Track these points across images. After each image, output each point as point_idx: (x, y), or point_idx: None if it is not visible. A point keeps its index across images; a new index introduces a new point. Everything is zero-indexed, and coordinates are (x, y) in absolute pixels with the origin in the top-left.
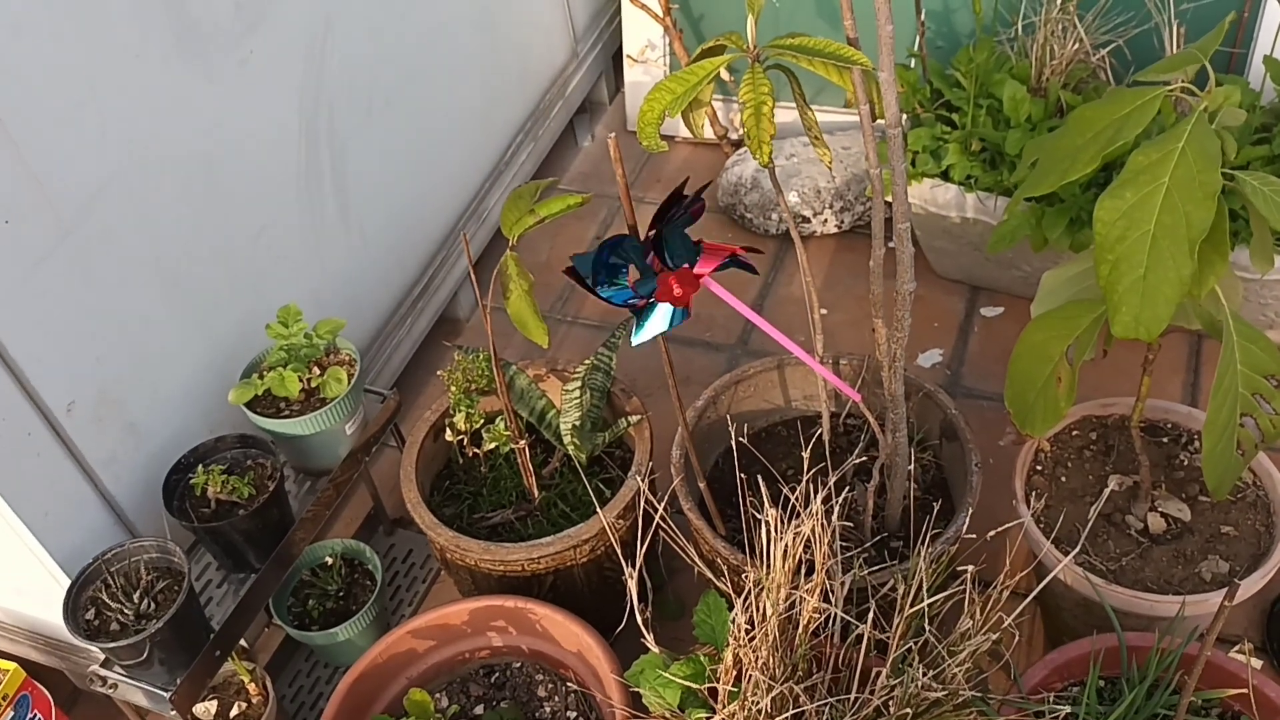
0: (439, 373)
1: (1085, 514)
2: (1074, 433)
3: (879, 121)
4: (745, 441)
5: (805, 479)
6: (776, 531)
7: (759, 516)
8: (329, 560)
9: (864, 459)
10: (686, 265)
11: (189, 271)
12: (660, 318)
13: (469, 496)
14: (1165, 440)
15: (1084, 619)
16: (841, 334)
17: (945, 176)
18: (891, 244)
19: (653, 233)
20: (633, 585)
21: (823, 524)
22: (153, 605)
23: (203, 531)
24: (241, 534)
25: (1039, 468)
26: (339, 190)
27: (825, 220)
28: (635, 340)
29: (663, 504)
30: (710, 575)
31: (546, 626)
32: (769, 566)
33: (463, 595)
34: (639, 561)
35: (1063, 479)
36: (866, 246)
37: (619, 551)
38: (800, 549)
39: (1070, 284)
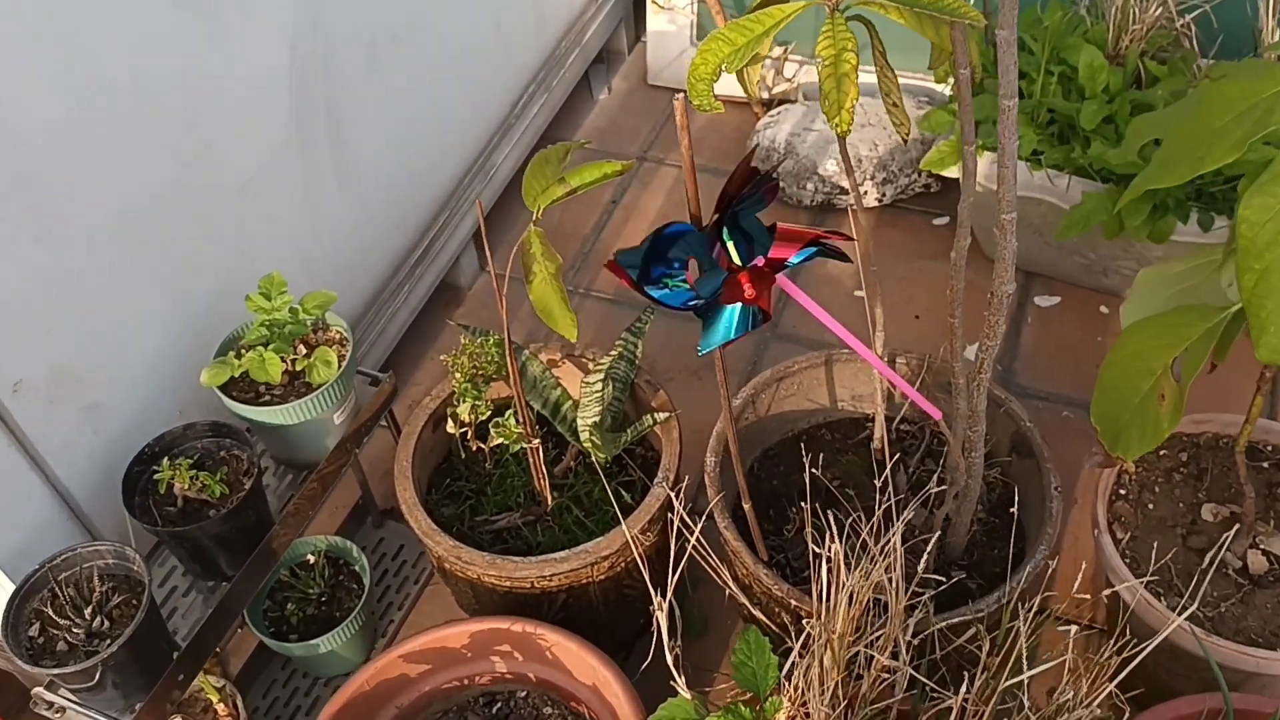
0: (442, 358)
1: (1175, 547)
2: (1162, 453)
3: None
4: (785, 446)
5: (875, 515)
6: (834, 567)
7: (814, 546)
8: (311, 559)
9: (919, 469)
10: (760, 259)
11: (161, 230)
12: (731, 322)
13: (471, 496)
14: (1266, 465)
15: (1166, 664)
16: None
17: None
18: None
19: (716, 218)
20: (662, 618)
21: (896, 567)
22: (107, 623)
23: (168, 535)
24: (213, 538)
25: (1122, 491)
26: (334, 142)
27: (865, 193)
28: (703, 350)
29: (699, 524)
30: (745, 601)
31: (558, 655)
32: (830, 612)
33: (461, 607)
34: (670, 593)
35: (1149, 506)
36: (908, 222)
37: (644, 570)
38: (869, 595)
39: (1172, 283)
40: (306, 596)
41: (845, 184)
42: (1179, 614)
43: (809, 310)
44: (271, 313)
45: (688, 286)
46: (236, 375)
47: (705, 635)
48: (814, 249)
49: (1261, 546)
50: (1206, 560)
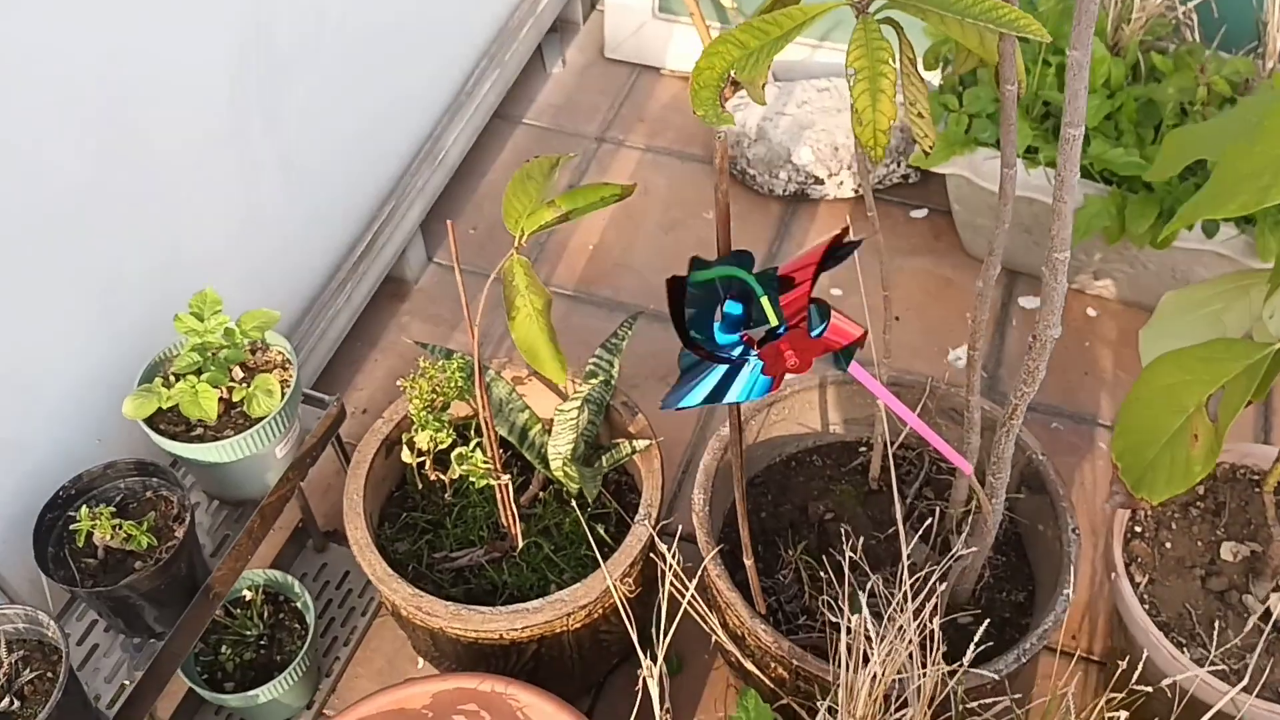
0: (399, 382)
1: (1194, 589)
2: None
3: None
4: (773, 473)
5: (899, 593)
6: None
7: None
8: (248, 595)
9: (918, 498)
10: (804, 328)
11: (80, 231)
12: (738, 388)
13: (428, 529)
14: None
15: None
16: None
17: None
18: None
19: (799, 277)
20: (653, 685)
21: (923, 646)
22: (17, 702)
23: (88, 595)
24: (140, 594)
25: (1138, 529)
26: (272, 129)
27: (841, 183)
28: (674, 405)
29: (696, 576)
30: (735, 651)
31: (531, 716)
32: (848, 693)
33: (418, 651)
34: (660, 656)
35: (1167, 545)
36: (884, 214)
37: (625, 617)
38: (891, 675)
39: (1197, 307)
40: (244, 639)
41: (819, 173)
42: (1203, 665)
43: (872, 389)
44: (204, 335)
45: (742, 339)
46: (165, 407)
47: (680, 672)
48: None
49: None
50: (1254, 630)
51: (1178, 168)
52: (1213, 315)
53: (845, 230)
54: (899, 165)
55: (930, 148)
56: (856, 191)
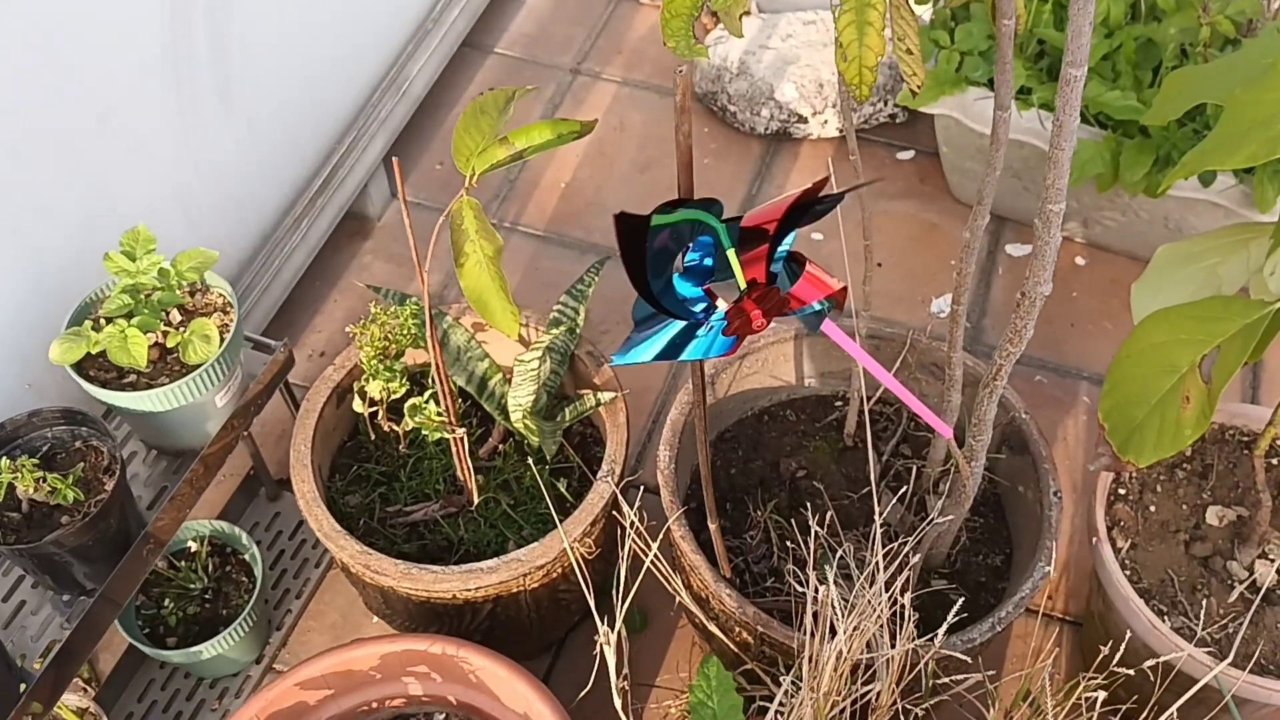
0: (349, 329)
1: (1177, 555)
2: None
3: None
4: (744, 427)
5: (871, 562)
6: (816, 610)
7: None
8: (192, 547)
9: (895, 455)
10: (777, 287)
11: (3, 169)
12: (695, 346)
13: (382, 481)
14: (1276, 462)
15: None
16: (836, 267)
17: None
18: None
19: (766, 226)
20: (610, 653)
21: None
22: None
23: (11, 553)
24: (68, 550)
25: (1122, 491)
26: (217, 57)
27: (825, 122)
28: (624, 360)
29: (660, 535)
30: (700, 614)
31: (484, 679)
32: (814, 667)
33: (371, 609)
34: (619, 620)
35: (1151, 508)
36: (870, 155)
37: (582, 581)
38: (858, 650)
39: (1192, 261)
40: (187, 592)
41: (803, 111)
42: (1182, 634)
43: (848, 351)
44: (136, 276)
45: (703, 290)
46: (94, 352)
47: (643, 631)
48: (820, 307)
49: (1271, 557)
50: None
51: (1177, 112)
52: (1208, 269)
53: (824, 182)
54: (886, 104)
55: (919, 87)
56: (841, 131)
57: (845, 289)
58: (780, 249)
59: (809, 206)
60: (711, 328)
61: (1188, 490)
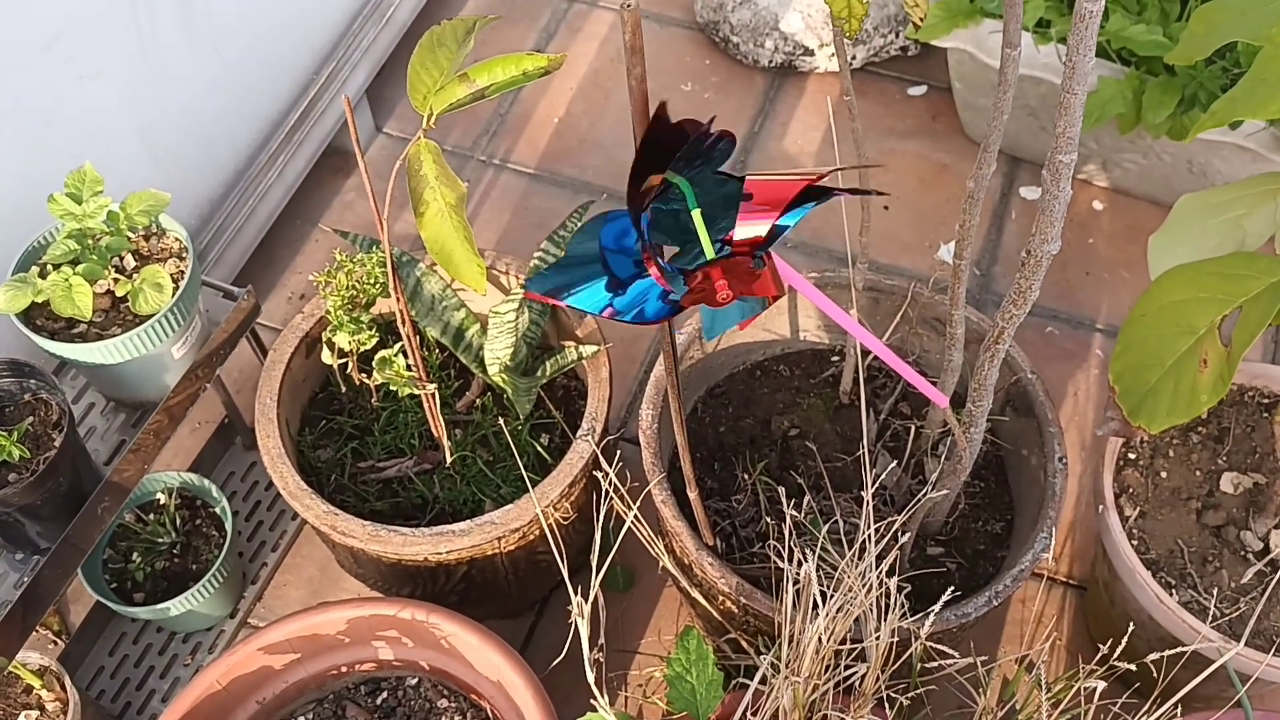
0: (312, 277)
1: (1188, 524)
2: None
3: None
4: (735, 382)
5: (861, 536)
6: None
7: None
8: (161, 499)
9: (892, 414)
10: (732, 252)
11: None
12: (724, 317)
13: (355, 434)
14: None
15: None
16: (834, 213)
17: None
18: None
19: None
20: (583, 626)
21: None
22: None
23: None
24: (17, 509)
25: (1132, 456)
26: None
27: (833, 54)
28: (540, 290)
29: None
30: (683, 580)
31: (456, 645)
32: (794, 648)
33: (344, 568)
34: (594, 588)
35: (1162, 474)
36: (880, 91)
37: (556, 546)
38: (843, 632)
39: (1216, 212)
40: (155, 547)
41: (809, 43)
42: (1194, 613)
43: (817, 304)
44: (82, 220)
45: (646, 272)
46: (39, 301)
47: (629, 590)
48: (805, 203)
49: None
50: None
51: (1206, 50)
52: (1232, 222)
53: (825, 175)
54: (897, 36)
55: (921, 19)
56: (850, 63)
57: (778, 298)
58: (786, 228)
59: (809, 193)
60: (648, 289)
61: (1202, 455)
